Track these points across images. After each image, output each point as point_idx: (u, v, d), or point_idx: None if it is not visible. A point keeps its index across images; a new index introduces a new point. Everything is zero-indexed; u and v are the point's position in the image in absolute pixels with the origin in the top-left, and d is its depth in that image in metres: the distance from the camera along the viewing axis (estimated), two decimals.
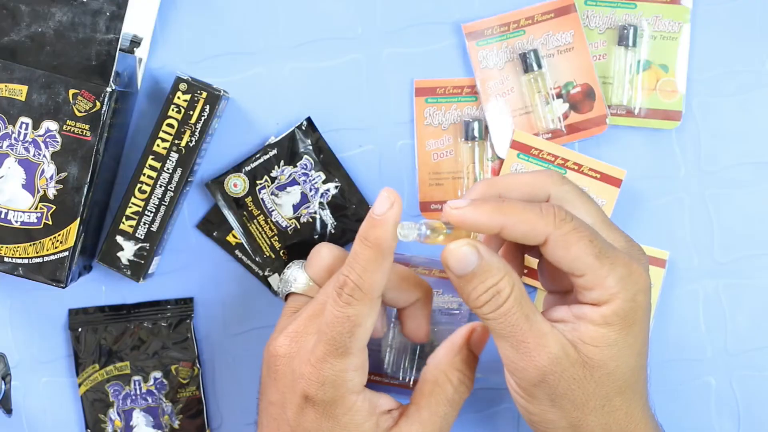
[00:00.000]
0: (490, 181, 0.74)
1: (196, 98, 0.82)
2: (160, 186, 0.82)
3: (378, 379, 0.86)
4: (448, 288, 0.85)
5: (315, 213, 0.85)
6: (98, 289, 0.86)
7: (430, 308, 0.78)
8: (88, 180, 0.79)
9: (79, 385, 0.86)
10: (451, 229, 0.71)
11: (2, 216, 0.80)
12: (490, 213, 0.70)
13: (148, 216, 0.83)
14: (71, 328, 0.86)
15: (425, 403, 0.75)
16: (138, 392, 0.86)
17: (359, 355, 0.72)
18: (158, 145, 0.82)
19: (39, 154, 0.79)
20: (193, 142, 0.82)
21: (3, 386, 0.85)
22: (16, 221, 0.80)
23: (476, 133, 0.85)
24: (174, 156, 0.82)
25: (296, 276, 0.78)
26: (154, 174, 0.82)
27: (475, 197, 0.73)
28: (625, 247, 0.72)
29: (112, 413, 0.86)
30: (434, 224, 0.70)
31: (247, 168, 0.85)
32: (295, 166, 0.85)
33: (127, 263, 0.83)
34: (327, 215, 0.85)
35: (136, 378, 0.86)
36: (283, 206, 0.85)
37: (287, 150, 0.85)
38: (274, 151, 0.85)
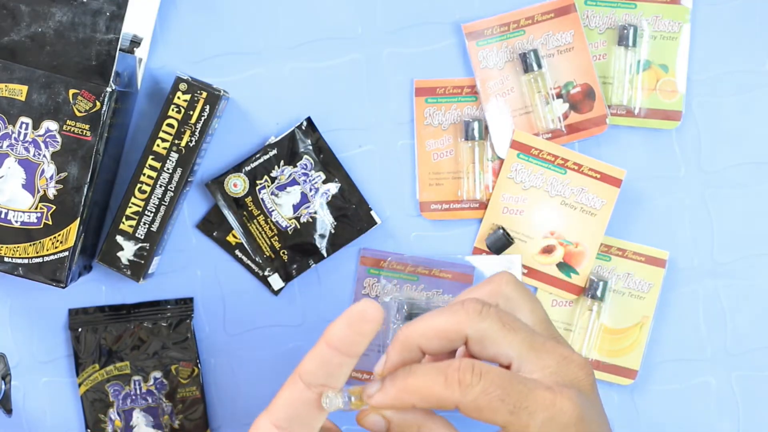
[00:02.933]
0: (403, 335, 0.71)
1: (196, 98, 0.82)
2: (160, 186, 0.82)
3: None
4: (447, 288, 0.85)
5: (315, 213, 0.85)
6: (98, 289, 0.86)
7: None
8: (88, 180, 0.79)
9: (79, 385, 0.86)
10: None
11: (2, 216, 0.80)
12: (396, 396, 0.69)
13: (148, 216, 0.83)
14: (71, 328, 0.86)
15: None
16: (138, 392, 0.86)
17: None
18: (158, 145, 0.82)
19: (39, 154, 0.79)
20: (193, 142, 0.82)
21: (3, 386, 0.85)
22: (16, 221, 0.80)
23: (476, 133, 0.85)
24: (174, 156, 0.82)
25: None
26: (154, 174, 0.82)
27: (389, 365, 0.71)
28: (557, 372, 0.69)
29: (112, 413, 0.86)
30: (356, 392, 0.70)
31: (247, 168, 0.85)
32: (295, 166, 0.85)
33: (127, 263, 0.83)
34: (327, 215, 0.85)
35: (136, 378, 0.86)
36: (283, 206, 0.85)
37: (287, 150, 0.85)
38: (274, 151, 0.85)
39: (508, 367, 0.70)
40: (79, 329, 0.85)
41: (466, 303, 0.70)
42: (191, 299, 0.86)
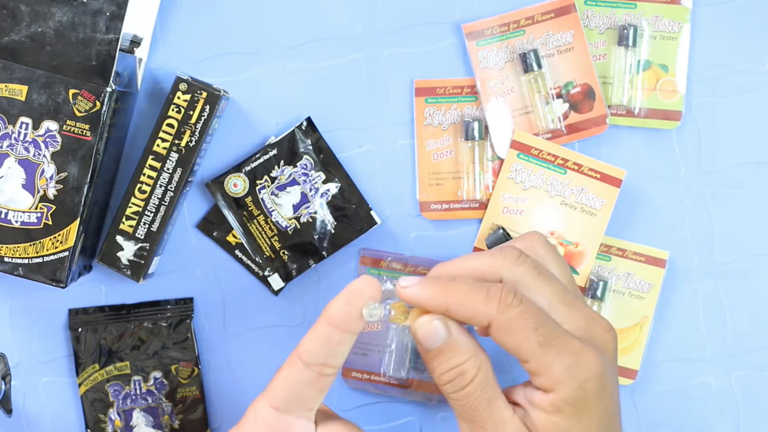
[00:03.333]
0: (439, 270, 0.72)
1: (196, 98, 0.82)
2: (160, 186, 0.82)
3: (378, 379, 0.86)
4: None
5: (315, 213, 0.85)
6: (98, 289, 0.86)
7: None
8: (88, 180, 0.79)
9: (79, 385, 0.86)
10: (411, 307, 0.70)
11: (2, 216, 0.80)
12: (435, 293, 0.69)
13: (148, 216, 0.83)
14: (71, 328, 0.86)
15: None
16: (138, 392, 0.86)
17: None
18: (158, 145, 0.82)
19: (39, 154, 0.79)
20: (193, 142, 0.82)
21: (3, 386, 0.85)
22: (16, 221, 0.80)
23: (476, 133, 0.85)
24: (174, 156, 0.82)
25: None
26: (154, 174, 0.82)
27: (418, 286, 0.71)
28: (584, 328, 0.70)
29: (112, 413, 0.86)
30: (397, 304, 0.70)
31: (247, 168, 0.85)
32: (295, 166, 0.85)
33: (127, 263, 0.83)
34: (327, 215, 0.85)
35: (136, 378, 0.86)
36: (283, 206, 0.85)
37: (287, 150, 0.85)
38: (274, 151, 0.85)
39: None
40: (79, 329, 0.85)
41: (504, 249, 0.71)
42: (191, 299, 0.86)
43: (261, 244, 0.85)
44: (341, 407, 0.86)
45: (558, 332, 0.68)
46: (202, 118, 0.82)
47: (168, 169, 0.82)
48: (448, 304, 0.69)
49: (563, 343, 0.68)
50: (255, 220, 0.85)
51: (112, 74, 0.79)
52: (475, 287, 0.69)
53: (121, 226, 0.83)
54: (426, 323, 0.69)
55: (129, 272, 0.83)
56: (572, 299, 0.71)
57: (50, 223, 0.79)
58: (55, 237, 0.80)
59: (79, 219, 0.79)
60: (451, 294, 0.69)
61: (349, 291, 0.69)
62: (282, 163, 0.85)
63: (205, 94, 0.82)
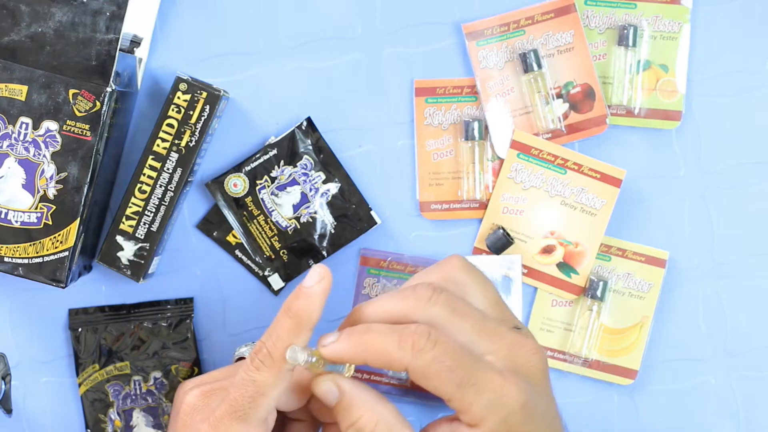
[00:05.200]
0: (355, 316, 0.72)
1: (196, 98, 0.82)
2: (160, 186, 0.82)
3: (378, 379, 0.86)
4: None
5: (315, 213, 0.85)
6: (98, 289, 0.86)
7: None
8: (88, 180, 0.79)
9: (79, 385, 0.86)
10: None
11: (2, 216, 0.80)
12: (351, 348, 0.69)
13: (148, 216, 0.83)
14: (71, 328, 0.86)
15: None
16: (138, 392, 0.86)
17: (258, 427, 0.71)
18: (158, 145, 0.82)
19: (39, 154, 0.79)
20: (193, 142, 0.82)
21: (3, 386, 0.85)
22: (16, 221, 0.80)
23: (476, 133, 0.85)
24: (174, 156, 0.82)
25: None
26: (154, 174, 0.82)
27: (347, 325, 0.72)
28: (507, 357, 0.70)
29: (112, 413, 0.86)
30: (317, 354, 0.71)
31: (247, 168, 0.85)
32: (295, 166, 0.85)
33: (127, 263, 0.83)
34: (327, 215, 0.85)
35: (136, 378, 0.86)
36: (283, 206, 0.85)
37: (287, 150, 0.85)
38: (274, 151, 0.85)
39: None
40: (79, 329, 0.85)
41: (417, 288, 0.71)
42: (191, 299, 0.86)
43: (261, 244, 0.85)
44: None
45: (476, 369, 0.68)
46: (202, 118, 0.82)
47: (168, 169, 0.82)
48: (364, 356, 0.69)
49: (482, 380, 0.68)
50: (255, 220, 0.85)
51: (112, 74, 0.79)
52: (387, 336, 0.69)
53: (121, 226, 0.83)
54: (320, 383, 0.71)
55: (129, 272, 0.83)
56: (493, 328, 0.70)
57: (50, 223, 0.79)
58: (55, 237, 0.80)
59: (79, 219, 0.79)
60: (366, 346, 0.69)
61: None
62: (282, 163, 0.85)
63: (205, 94, 0.82)
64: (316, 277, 0.70)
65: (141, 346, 0.86)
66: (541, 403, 0.70)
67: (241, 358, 0.78)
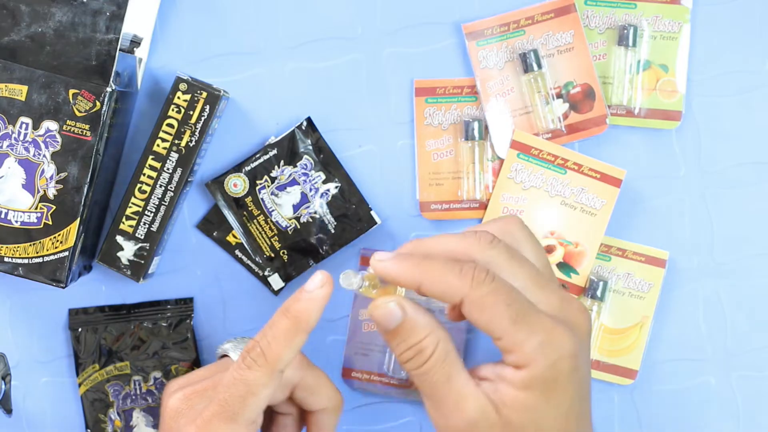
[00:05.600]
0: (417, 243, 0.72)
1: (196, 98, 0.82)
2: (160, 186, 0.82)
3: (378, 379, 0.86)
4: None
5: (315, 213, 0.85)
6: (98, 289, 0.86)
7: (337, 420, 0.77)
8: (88, 180, 0.79)
9: (79, 385, 0.86)
10: (385, 282, 0.71)
11: (2, 216, 0.80)
12: (408, 269, 0.69)
13: (148, 216, 0.83)
14: (71, 328, 0.86)
15: None
16: (138, 392, 0.86)
17: (247, 427, 0.71)
18: (158, 145, 0.82)
19: (39, 154, 0.79)
20: (193, 142, 0.82)
21: (3, 386, 0.85)
22: (16, 221, 0.80)
23: (476, 133, 0.85)
24: (174, 156, 0.82)
25: (242, 344, 0.79)
26: (154, 174, 0.82)
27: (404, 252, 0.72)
28: (557, 309, 0.70)
29: (112, 413, 0.86)
30: (370, 276, 0.71)
31: (247, 168, 0.85)
32: (295, 166, 0.85)
33: (127, 263, 0.83)
34: (327, 215, 0.85)
35: (136, 378, 0.86)
36: (283, 206, 0.85)
37: (287, 150, 0.85)
38: (274, 151, 0.85)
39: None
40: (79, 329, 0.85)
41: (479, 232, 0.71)
42: (191, 299, 0.86)
43: (261, 244, 0.85)
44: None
45: (531, 310, 0.68)
46: (202, 118, 0.82)
47: (168, 169, 0.82)
48: (421, 279, 0.69)
49: (536, 320, 0.68)
50: (255, 220, 0.85)
51: (112, 74, 0.79)
52: (448, 264, 0.69)
53: (121, 226, 0.83)
54: (382, 305, 0.70)
55: (129, 272, 0.83)
56: (546, 281, 0.71)
57: (50, 223, 0.79)
58: (55, 237, 0.80)
59: (79, 219, 0.79)
60: (425, 270, 0.69)
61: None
62: (282, 163, 0.85)
63: (205, 94, 0.82)
64: (319, 282, 0.70)
65: (141, 346, 0.86)
66: (585, 361, 0.70)
67: (225, 356, 0.78)
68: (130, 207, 0.83)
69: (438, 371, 0.69)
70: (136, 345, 0.86)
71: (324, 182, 0.85)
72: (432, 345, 0.69)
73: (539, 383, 0.68)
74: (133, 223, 0.83)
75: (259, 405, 0.71)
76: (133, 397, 0.86)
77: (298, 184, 0.85)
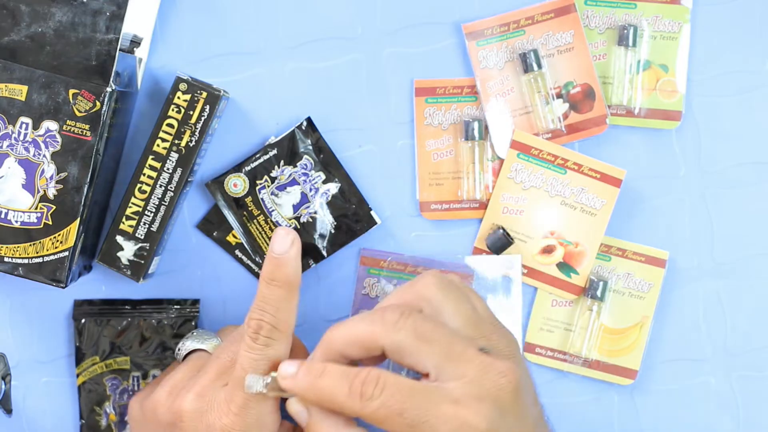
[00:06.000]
0: (327, 341, 0.73)
1: (196, 98, 0.82)
2: (160, 186, 0.82)
3: None
4: None
5: (315, 213, 0.85)
6: (98, 289, 0.86)
7: None
8: (88, 180, 0.79)
9: (78, 375, 0.86)
10: None
11: (2, 216, 0.80)
12: (305, 390, 0.71)
13: (148, 216, 0.83)
14: (75, 318, 0.85)
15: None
16: (135, 388, 0.86)
17: (276, 399, 0.73)
18: (158, 145, 0.82)
19: (39, 154, 0.79)
20: (193, 142, 0.82)
21: (3, 386, 0.85)
22: (16, 221, 0.80)
23: (476, 133, 0.85)
24: (174, 156, 0.82)
25: (205, 335, 0.80)
26: (154, 174, 0.82)
27: (316, 356, 0.73)
28: (475, 380, 0.69)
29: (108, 407, 0.86)
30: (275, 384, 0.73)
31: (247, 168, 0.85)
32: (295, 166, 0.85)
33: (127, 263, 0.83)
34: (327, 215, 0.85)
35: (134, 374, 0.86)
36: (283, 206, 0.85)
37: (287, 150, 0.85)
38: (274, 151, 0.85)
39: (427, 376, 0.70)
40: (83, 320, 0.85)
41: (386, 312, 0.71)
42: (197, 301, 0.86)
43: (261, 244, 0.85)
44: None
45: (427, 407, 0.68)
46: (202, 118, 0.82)
47: (168, 169, 0.82)
48: (318, 402, 0.71)
49: (434, 416, 0.68)
50: (255, 220, 0.85)
51: (112, 74, 0.79)
52: (339, 382, 0.70)
53: (121, 226, 0.83)
54: (291, 404, 0.72)
55: (129, 272, 0.83)
56: (460, 352, 0.70)
57: (50, 223, 0.79)
58: (55, 237, 0.80)
59: (79, 219, 0.80)
60: (319, 392, 0.70)
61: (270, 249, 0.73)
62: (282, 163, 0.85)
63: (205, 94, 0.82)
64: (288, 241, 0.73)
65: (143, 343, 0.86)
66: (509, 426, 0.69)
67: (193, 351, 0.79)
68: (130, 207, 0.83)
69: None
70: (139, 341, 0.86)
71: (324, 182, 0.85)
72: None
73: None
74: (133, 223, 0.83)
75: None
76: (130, 392, 0.86)
77: (298, 184, 0.85)
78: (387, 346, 0.70)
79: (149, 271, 0.84)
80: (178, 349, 0.80)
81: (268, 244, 0.85)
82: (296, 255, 0.73)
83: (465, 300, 0.73)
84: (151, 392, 0.78)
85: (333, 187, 0.85)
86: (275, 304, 0.73)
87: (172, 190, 0.82)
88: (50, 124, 0.79)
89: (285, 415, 0.74)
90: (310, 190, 0.85)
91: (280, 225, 0.85)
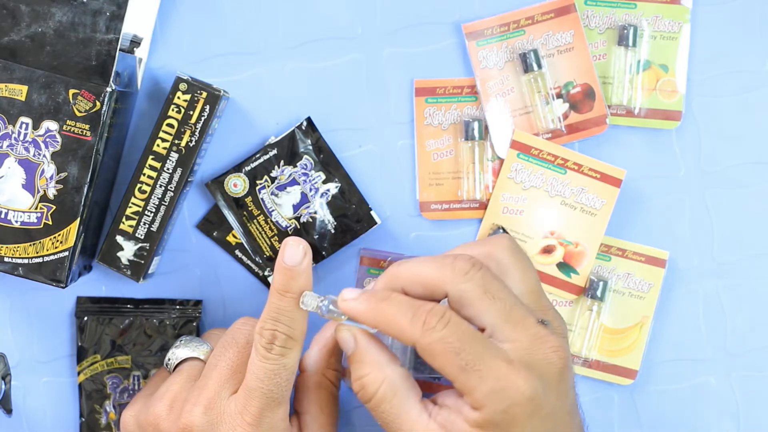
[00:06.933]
0: (391, 274, 0.74)
1: (196, 98, 0.82)
2: (160, 186, 0.82)
3: None
4: None
5: (315, 213, 0.85)
6: (98, 289, 0.86)
7: None
8: (88, 180, 0.79)
9: (78, 373, 0.86)
10: None
11: (2, 216, 0.80)
12: (367, 312, 0.71)
13: (148, 216, 0.83)
14: (77, 316, 0.85)
15: (317, 409, 0.77)
16: (136, 388, 0.86)
17: (288, 402, 0.74)
18: (158, 145, 0.82)
19: (39, 154, 0.79)
20: (193, 142, 0.82)
21: (3, 386, 0.85)
22: (16, 221, 0.80)
23: (476, 133, 0.85)
24: (174, 156, 0.82)
25: (194, 342, 0.80)
26: (154, 174, 0.82)
27: (378, 287, 0.74)
28: (524, 350, 0.69)
29: (108, 405, 0.86)
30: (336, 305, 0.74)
31: (247, 168, 0.85)
32: (295, 166, 0.85)
33: (127, 263, 0.83)
34: (327, 215, 0.85)
35: (135, 373, 0.86)
36: (283, 206, 0.85)
37: (287, 150, 0.85)
38: (274, 151, 0.85)
39: (482, 331, 0.70)
40: (85, 318, 0.85)
41: (457, 259, 0.71)
42: (200, 302, 0.86)
43: (261, 244, 0.85)
44: (342, 407, 0.86)
45: (484, 356, 0.68)
46: (202, 118, 0.82)
47: (168, 169, 0.82)
48: (377, 323, 0.71)
49: (488, 367, 0.68)
50: (255, 220, 0.85)
51: (112, 74, 0.79)
52: (403, 309, 0.70)
53: (121, 226, 0.83)
54: (339, 331, 0.73)
55: (129, 272, 0.83)
56: (520, 316, 0.70)
57: (50, 223, 0.80)
58: (55, 237, 0.80)
59: (79, 219, 0.80)
60: (381, 314, 0.71)
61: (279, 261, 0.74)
62: (282, 163, 0.85)
63: (205, 94, 0.82)
64: (300, 252, 0.73)
65: (145, 342, 0.86)
66: (551, 401, 0.70)
67: (186, 360, 0.78)
68: (130, 207, 0.83)
69: (386, 408, 0.71)
70: (141, 341, 0.86)
71: (324, 182, 0.85)
72: (375, 383, 0.71)
73: (491, 426, 0.69)
74: (133, 223, 0.83)
75: (294, 380, 0.75)
76: (131, 392, 0.86)
77: (298, 184, 0.85)
78: (452, 293, 0.70)
79: (149, 271, 0.84)
80: (168, 359, 0.80)
81: (267, 244, 0.85)
82: (308, 265, 0.74)
83: (533, 270, 0.74)
84: (144, 405, 0.77)
85: (333, 187, 0.85)
86: (290, 315, 0.73)
87: (172, 190, 0.82)
88: (50, 124, 0.79)
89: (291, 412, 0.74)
90: (310, 190, 0.85)
91: (280, 225, 0.85)
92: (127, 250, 0.83)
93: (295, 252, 0.73)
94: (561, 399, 0.71)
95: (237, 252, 0.86)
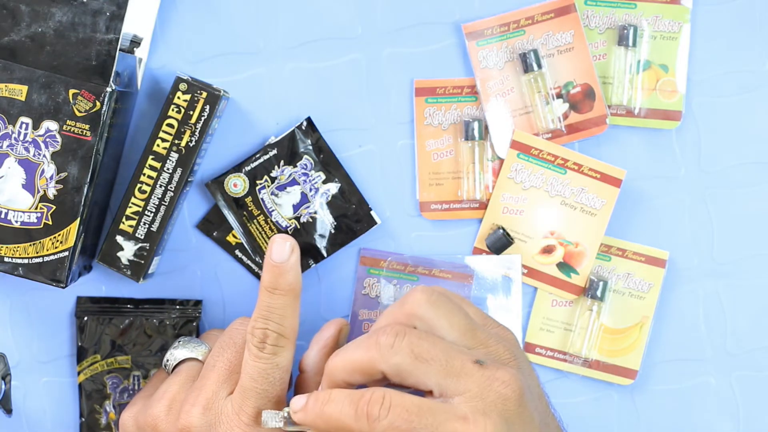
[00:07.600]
0: (329, 370, 0.73)
1: (196, 98, 0.82)
2: (160, 186, 0.82)
3: None
4: (447, 288, 0.85)
5: (315, 213, 0.85)
6: (98, 289, 0.86)
7: None
8: (88, 180, 0.79)
9: (79, 373, 0.86)
10: None
11: (2, 216, 0.80)
12: (316, 421, 0.71)
13: (148, 216, 0.83)
14: (77, 316, 0.85)
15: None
16: (136, 388, 0.86)
17: (286, 399, 0.74)
18: (158, 145, 0.82)
19: (39, 154, 0.79)
20: (193, 142, 0.82)
21: (3, 386, 0.85)
22: (16, 221, 0.80)
23: (476, 133, 0.85)
24: (174, 156, 0.82)
25: (193, 343, 0.79)
26: (154, 174, 0.82)
27: (322, 385, 0.74)
28: (477, 394, 0.69)
29: (108, 405, 0.86)
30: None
31: (247, 168, 0.85)
32: (295, 166, 0.85)
33: (127, 263, 0.83)
34: (327, 215, 0.85)
35: (135, 373, 0.86)
36: (283, 206, 0.85)
37: (287, 150, 0.85)
38: (274, 151, 0.85)
39: (430, 393, 0.70)
40: (85, 317, 0.85)
41: (380, 335, 0.71)
42: (200, 302, 0.86)
43: (261, 244, 0.85)
44: None
45: (437, 424, 0.68)
46: (202, 118, 0.82)
47: (168, 169, 0.82)
48: (328, 428, 0.70)
49: (445, 430, 0.68)
50: (255, 220, 0.85)
51: (112, 74, 0.79)
52: (345, 408, 0.69)
53: (121, 226, 0.83)
54: None
55: (129, 272, 0.83)
56: (459, 367, 0.70)
57: (50, 223, 0.80)
58: (55, 237, 0.80)
59: (79, 219, 0.80)
60: (327, 419, 0.70)
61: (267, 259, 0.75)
62: (282, 163, 0.85)
63: (205, 94, 0.82)
64: (287, 248, 0.74)
65: (145, 342, 0.86)
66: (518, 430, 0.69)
67: (185, 361, 0.78)
68: (130, 207, 0.83)
69: None
70: (141, 341, 0.86)
71: (324, 182, 0.85)
72: None
73: None
74: (133, 223, 0.83)
75: (288, 377, 0.75)
76: (131, 392, 0.86)
77: (298, 184, 0.85)
78: (386, 371, 0.70)
79: (149, 271, 0.84)
80: (167, 360, 0.80)
81: (268, 244, 0.85)
82: (296, 262, 0.74)
83: (457, 311, 0.73)
84: (143, 406, 0.78)
85: (333, 187, 0.85)
86: (280, 312, 0.74)
87: (172, 190, 0.82)
88: (50, 124, 0.79)
89: None
90: (310, 190, 0.85)
91: (280, 225, 0.85)
92: (127, 250, 0.83)
93: (282, 249, 0.73)
94: (527, 423, 0.70)
95: (237, 252, 0.86)
